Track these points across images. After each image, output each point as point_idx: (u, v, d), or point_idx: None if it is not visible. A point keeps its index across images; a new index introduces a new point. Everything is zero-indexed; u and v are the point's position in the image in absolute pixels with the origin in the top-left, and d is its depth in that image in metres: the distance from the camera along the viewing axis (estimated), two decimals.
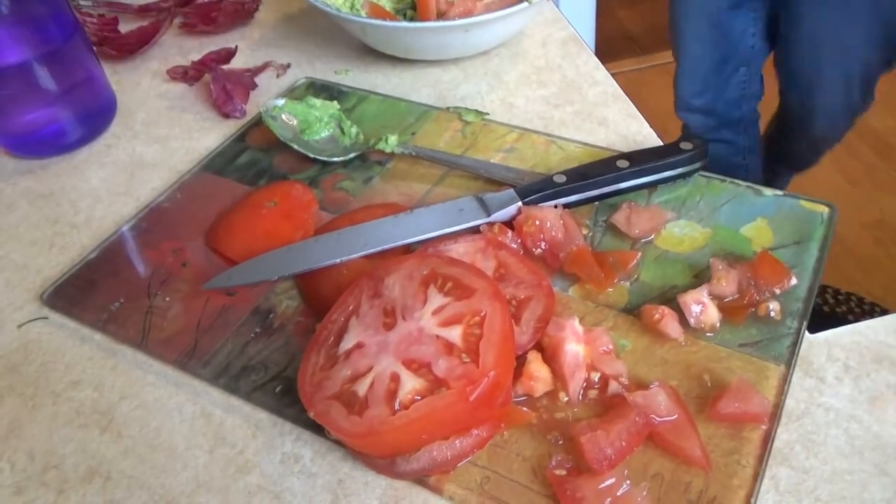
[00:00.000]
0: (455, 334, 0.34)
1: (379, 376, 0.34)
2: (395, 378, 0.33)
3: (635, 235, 0.44)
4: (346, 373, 0.34)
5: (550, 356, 0.37)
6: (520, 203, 0.44)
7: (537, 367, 0.36)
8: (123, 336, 0.42)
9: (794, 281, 0.40)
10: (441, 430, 0.33)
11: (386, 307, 0.36)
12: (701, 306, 0.39)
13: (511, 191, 0.45)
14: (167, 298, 0.44)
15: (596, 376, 0.37)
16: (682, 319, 0.39)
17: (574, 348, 0.37)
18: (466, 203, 0.45)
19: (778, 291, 0.40)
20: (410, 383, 0.33)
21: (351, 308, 0.37)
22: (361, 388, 0.34)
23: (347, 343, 0.36)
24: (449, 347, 0.34)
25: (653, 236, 0.44)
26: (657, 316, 0.39)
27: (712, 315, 0.39)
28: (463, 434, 0.34)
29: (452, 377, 0.33)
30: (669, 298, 0.40)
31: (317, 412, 0.34)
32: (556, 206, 0.44)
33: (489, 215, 0.44)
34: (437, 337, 0.34)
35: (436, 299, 0.36)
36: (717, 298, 0.39)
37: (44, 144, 0.56)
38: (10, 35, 0.51)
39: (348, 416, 0.33)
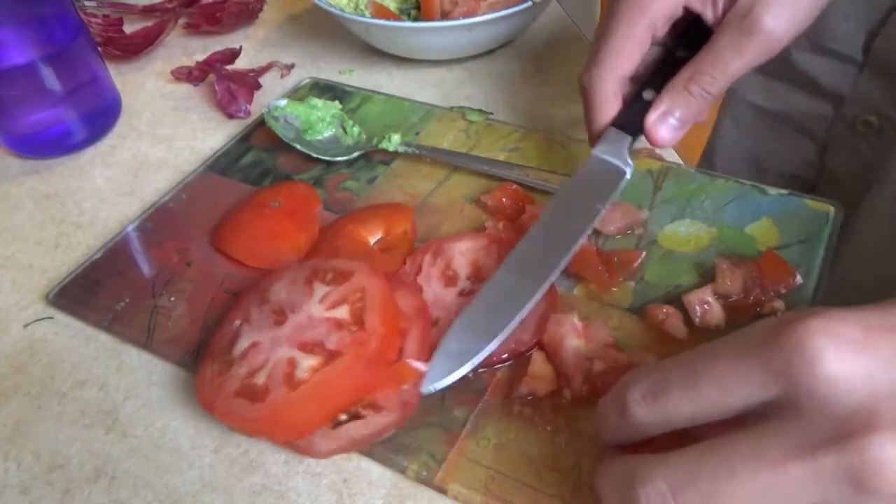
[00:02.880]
0: (343, 312, 0.36)
1: (276, 364, 0.35)
2: (292, 362, 0.35)
3: (610, 232, 0.44)
4: (244, 370, 0.36)
5: (552, 353, 0.37)
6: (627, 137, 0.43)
7: (541, 367, 0.37)
8: (128, 336, 0.42)
9: (799, 280, 0.40)
10: (342, 397, 0.35)
11: (275, 308, 0.38)
12: (705, 306, 0.39)
13: (611, 130, 0.43)
14: (172, 298, 0.44)
15: (600, 367, 0.37)
16: (687, 319, 0.39)
17: (574, 343, 0.37)
18: (596, 166, 0.43)
19: (783, 291, 0.40)
20: (306, 362, 0.34)
21: (241, 319, 0.38)
22: (260, 378, 0.35)
23: (242, 345, 0.37)
24: (339, 324, 0.35)
25: (655, 234, 0.44)
26: (662, 316, 0.39)
27: (717, 314, 0.39)
28: (377, 412, 0.35)
29: (344, 345, 0.34)
30: (674, 298, 0.40)
31: (220, 413, 0.35)
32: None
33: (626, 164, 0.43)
34: (327, 318, 0.36)
35: (321, 290, 0.37)
36: (721, 298, 0.39)
37: (49, 145, 0.56)
38: (15, 36, 0.52)
39: (251, 405, 0.34)
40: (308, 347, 0.35)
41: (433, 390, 0.35)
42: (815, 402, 0.24)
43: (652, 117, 0.42)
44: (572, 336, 0.37)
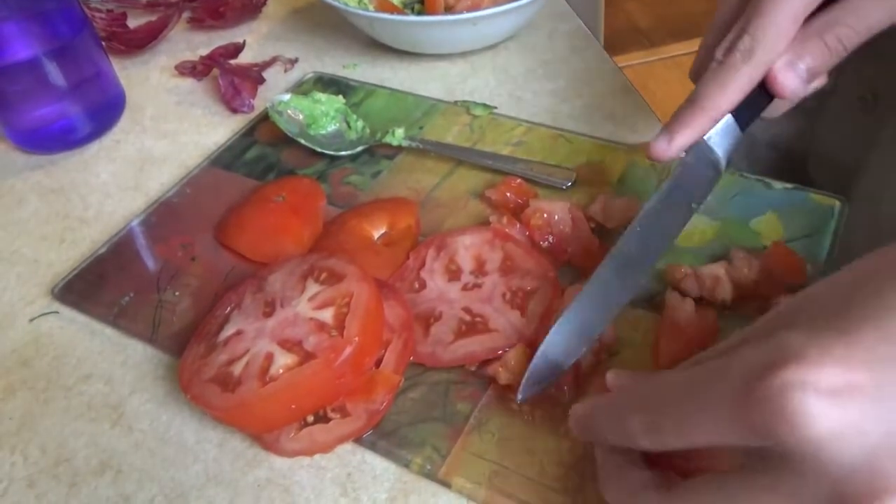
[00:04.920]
0: (327, 315, 0.36)
1: (254, 357, 0.35)
2: (269, 357, 0.35)
3: (613, 226, 0.44)
4: (224, 357, 0.36)
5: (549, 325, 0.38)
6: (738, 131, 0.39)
7: (512, 357, 0.36)
8: (133, 330, 0.42)
9: (809, 270, 0.40)
10: (309, 399, 0.35)
11: (267, 299, 0.38)
12: (715, 279, 0.39)
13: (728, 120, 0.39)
14: (176, 293, 0.44)
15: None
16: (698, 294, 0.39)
17: None
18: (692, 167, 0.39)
19: (794, 283, 0.39)
20: (282, 359, 0.35)
21: (234, 304, 0.39)
22: (237, 368, 0.35)
23: (227, 332, 0.37)
24: (321, 326, 0.36)
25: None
26: (679, 275, 0.40)
27: (726, 289, 0.39)
28: (343, 417, 0.35)
29: (320, 349, 0.34)
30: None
31: (193, 395, 0.35)
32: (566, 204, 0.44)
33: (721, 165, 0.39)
34: (311, 319, 0.36)
35: (312, 288, 0.38)
36: (733, 284, 0.39)
37: (53, 140, 0.57)
38: (19, 31, 0.52)
39: (222, 393, 0.34)
40: (287, 345, 0.35)
41: (523, 399, 0.35)
42: (806, 463, 0.22)
43: (778, 64, 0.37)
44: None
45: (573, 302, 0.36)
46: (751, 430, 0.23)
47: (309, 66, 0.64)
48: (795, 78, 0.37)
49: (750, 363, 0.24)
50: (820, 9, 0.37)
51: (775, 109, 0.41)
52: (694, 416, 0.25)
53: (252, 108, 0.59)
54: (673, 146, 0.38)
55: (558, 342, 0.36)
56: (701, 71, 0.40)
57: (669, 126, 0.39)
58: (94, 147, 0.58)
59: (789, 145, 0.63)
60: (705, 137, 0.39)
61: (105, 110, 0.58)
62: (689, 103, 0.38)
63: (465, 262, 0.42)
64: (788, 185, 0.45)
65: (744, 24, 0.37)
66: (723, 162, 0.39)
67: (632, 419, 0.28)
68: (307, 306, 0.37)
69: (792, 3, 0.36)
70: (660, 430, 0.27)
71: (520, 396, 0.35)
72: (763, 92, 0.38)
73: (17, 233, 0.51)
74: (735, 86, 0.37)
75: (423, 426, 0.36)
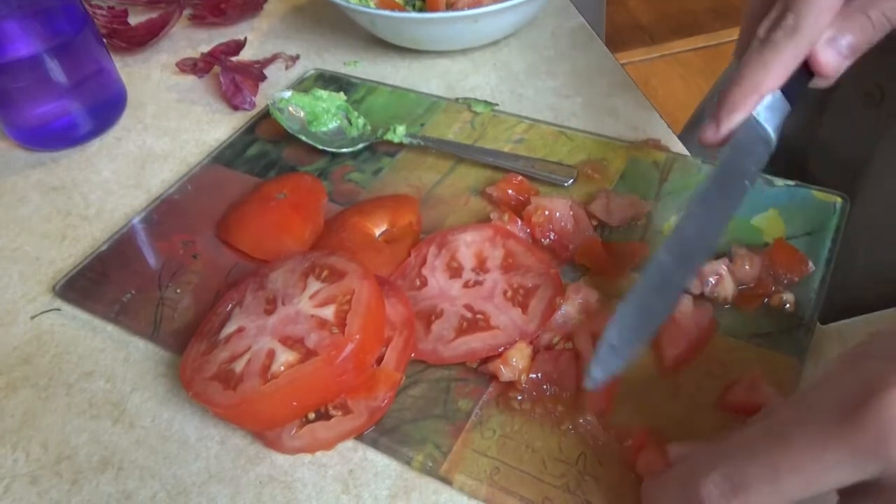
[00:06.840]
0: (328, 312, 0.36)
1: (256, 354, 0.35)
2: (271, 354, 0.35)
3: (615, 224, 0.44)
4: (225, 355, 0.36)
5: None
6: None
7: (513, 354, 0.36)
8: (135, 327, 0.42)
9: (811, 267, 0.40)
10: (310, 397, 0.35)
11: (268, 296, 0.38)
12: (717, 277, 0.39)
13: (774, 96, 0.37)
14: (178, 290, 0.44)
15: (560, 346, 0.38)
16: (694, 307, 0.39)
17: (570, 311, 0.38)
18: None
19: (796, 279, 0.39)
20: (284, 357, 0.35)
21: (235, 301, 0.39)
22: (238, 365, 0.35)
23: (229, 329, 0.37)
24: (322, 323, 0.36)
25: (661, 225, 0.44)
26: None
27: (728, 287, 0.39)
28: (345, 414, 0.36)
29: (321, 347, 0.34)
30: None
31: (195, 392, 0.35)
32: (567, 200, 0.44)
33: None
34: (312, 316, 0.36)
35: (314, 285, 0.38)
36: (735, 282, 0.39)
37: (55, 137, 0.57)
38: (21, 28, 0.52)
39: (224, 391, 0.35)
40: (289, 342, 0.35)
41: (593, 387, 0.32)
42: None
43: (819, 41, 0.36)
44: (576, 305, 0.38)
45: (633, 288, 0.34)
46: (860, 453, 0.23)
47: (310, 63, 0.64)
48: (836, 55, 0.36)
49: (842, 394, 0.24)
50: None
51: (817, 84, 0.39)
52: (785, 459, 0.24)
53: (253, 105, 0.59)
54: (722, 130, 0.37)
55: (620, 329, 0.33)
56: (745, 50, 0.39)
57: (716, 110, 0.37)
58: (95, 144, 0.58)
59: (789, 142, 0.63)
60: (754, 113, 0.37)
61: (106, 108, 0.58)
62: (734, 84, 0.37)
63: (467, 259, 0.42)
64: (790, 183, 0.45)
65: (787, 1, 0.36)
66: (773, 137, 0.38)
67: (706, 482, 0.26)
68: (309, 304, 0.37)
69: None
70: (745, 488, 0.25)
71: (590, 385, 0.32)
72: (804, 68, 0.37)
73: (19, 230, 0.51)
74: (779, 64, 0.36)
75: (425, 423, 0.36)
